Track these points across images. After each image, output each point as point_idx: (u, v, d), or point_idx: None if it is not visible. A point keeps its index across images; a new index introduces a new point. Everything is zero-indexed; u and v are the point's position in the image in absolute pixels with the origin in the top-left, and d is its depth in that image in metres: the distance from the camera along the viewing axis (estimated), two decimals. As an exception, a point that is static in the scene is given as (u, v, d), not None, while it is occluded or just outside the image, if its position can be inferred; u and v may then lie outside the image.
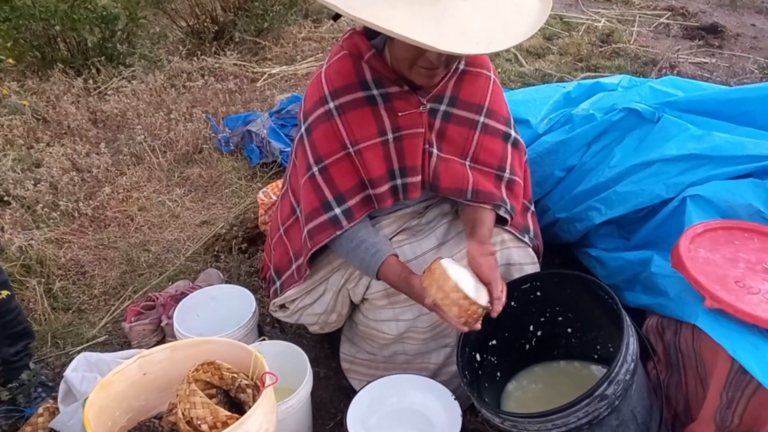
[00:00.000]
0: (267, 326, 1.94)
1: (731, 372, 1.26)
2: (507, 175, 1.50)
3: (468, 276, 1.31)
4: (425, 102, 1.40)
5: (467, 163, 1.47)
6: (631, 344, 1.23)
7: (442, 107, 1.43)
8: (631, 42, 3.62)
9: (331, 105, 1.39)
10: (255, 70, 3.57)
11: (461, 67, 1.43)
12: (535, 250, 1.57)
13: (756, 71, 3.27)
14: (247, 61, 3.69)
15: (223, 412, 1.17)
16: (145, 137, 2.80)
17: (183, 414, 1.18)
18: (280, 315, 1.64)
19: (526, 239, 1.53)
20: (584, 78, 3.20)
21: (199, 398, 1.18)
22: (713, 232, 1.44)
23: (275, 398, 1.44)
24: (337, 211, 1.41)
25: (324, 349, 1.84)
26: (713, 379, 1.29)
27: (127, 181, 2.57)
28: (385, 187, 1.42)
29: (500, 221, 1.51)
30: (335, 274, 1.51)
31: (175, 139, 2.83)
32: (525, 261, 1.51)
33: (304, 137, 1.44)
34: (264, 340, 1.72)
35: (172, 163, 2.74)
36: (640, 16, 3.97)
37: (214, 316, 1.80)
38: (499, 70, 3.38)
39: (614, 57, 3.48)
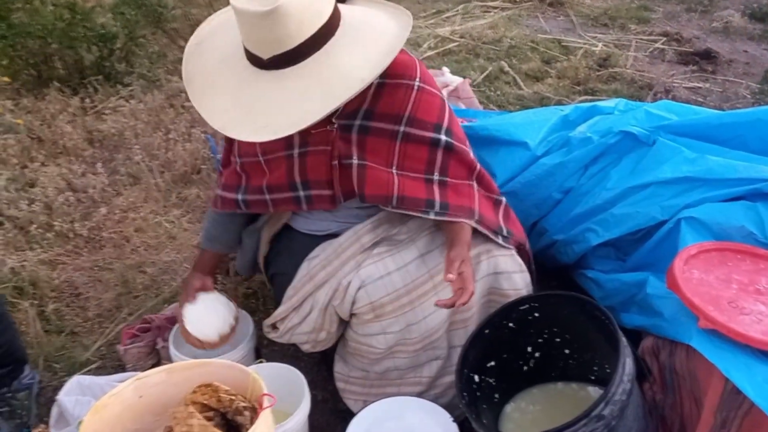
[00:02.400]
0: (265, 349, 1.94)
1: (725, 392, 1.26)
2: (437, 177, 1.52)
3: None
4: (334, 120, 1.47)
5: (393, 170, 1.50)
6: (627, 365, 1.23)
7: (357, 122, 1.48)
8: (628, 66, 3.66)
9: None
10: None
11: (377, 80, 1.44)
12: (522, 251, 1.57)
13: (748, 96, 3.31)
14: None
15: None
16: (142, 157, 2.80)
17: None
18: (272, 335, 1.64)
19: (500, 240, 1.54)
20: (582, 101, 3.24)
21: (196, 420, 1.17)
22: (707, 254, 1.46)
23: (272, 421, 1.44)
24: (240, 197, 1.61)
25: (321, 372, 1.83)
26: (707, 399, 1.30)
27: (123, 202, 2.57)
28: (284, 195, 1.56)
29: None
30: (319, 291, 1.52)
31: (173, 159, 2.83)
32: (513, 269, 1.52)
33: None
34: (261, 362, 1.71)
35: (170, 183, 2.73)
36: (636, 41, 4.03)
37: (207, 328, 1.79)
38: (498, 92, 3.42)
39: (611, 81, 3.53)
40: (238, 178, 1.62)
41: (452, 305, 1.35)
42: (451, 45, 3.96)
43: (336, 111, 1.44)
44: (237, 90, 1.33)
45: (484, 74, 3.56)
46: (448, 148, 1.53)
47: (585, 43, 3.92)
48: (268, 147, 1.51)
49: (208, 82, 1.38)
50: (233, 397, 1.30)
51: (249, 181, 1.60)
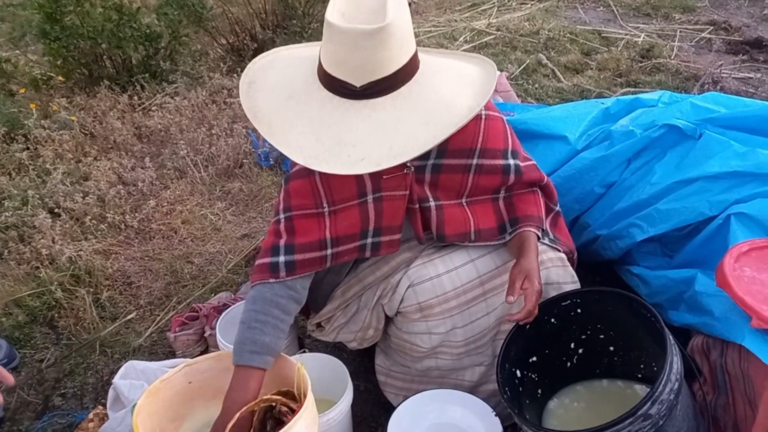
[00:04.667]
0: (307, 339, 1.97)
1: (780, 394, 1.23)
2: (503, 194, 1.52)
3: None
4: (409, 164, 1.39)
5: (464, 201, 1.49)
6: (675, 363, 1.21)
7: (430, 162, 1.43)
8: (672, 57, 3.57)
9: None
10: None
11: None
12: (570, 261, 1.56)
13: (802, 86, 3.20)
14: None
15: None
16: (187, 152, 2.87)
17: None
18: (317, 334, 1.66)
19: (547, 241, 1.52)
20: (623, 93, 3.18)
21: None
22: (759, 251, 1.42)
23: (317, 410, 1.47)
24: (281, 259, 1.39)
25: (363, 363, 1.85)
26: (763, 401, 1.27)
27: (170, 195, 2.65)
28: (350, 246, 1.43)
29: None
30: (367, 292, 1.53)
31: (216, 154, 2.90)
32: (564, 280, 1.51)
33: (283, 184, 1.46)
34: (305, 352, 1.75)
35: (214, 177, 2.81)
36: (681, 31, 3.92)
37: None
38: (537, 85, 3.38)
39: (654, 72, 3.45)
40: (277, 238, 1.43)
41: (520, 320, 1.37)
42: (487, 38, 3.93)
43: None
44: (320, 122, 1.22)
45: (522, 67, 3.53)
46: (518, 173, 1.50)
47: (626, 34, 3.84)
48: (337, 196, 1.40)
49: (281, 119, 1.26)
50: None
51: (294, 239, 1.41)
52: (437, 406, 1.53)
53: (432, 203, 1.46)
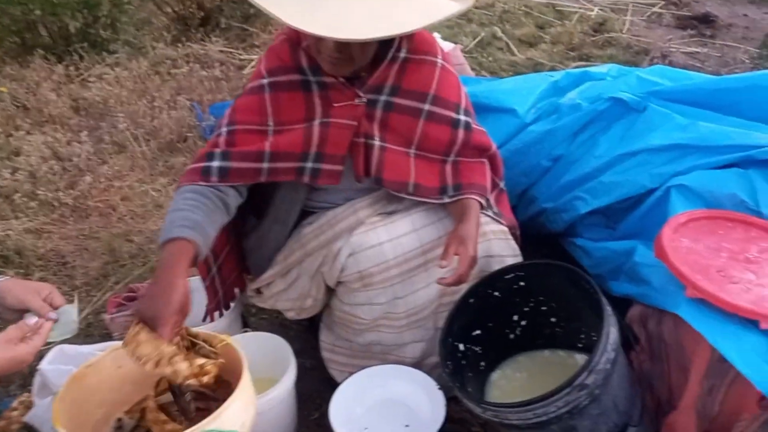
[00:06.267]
0: (253, 317, 1.93)
1: (711, 361, 1.26)
2: (452, 158, 1.51)
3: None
4: (361, 94, 1.39)
5: (412, 151, 1.47)
6: (611, 334, 1.22)
7: (383, 97, 1.42)
8: (624, 31, 3.59)
9: (265, 81, 1.40)
10: (242, 57, 3.52)
11: (402, 54, 1.42)
12: (513, 236, 1.56)
13: (747, 61, 3.26)
14: (234, 47, 3.64)
15: (168, 349, 1.10)
16: (127, 125, 2.76)
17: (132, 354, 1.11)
18: (256, 300, 1.63)
19: (490, 213, 1.52)
20: (576, 67, 3.18)
21: (144, 335, 1.11)
22: (697, 222, 1.43)
23: (258, 389, 1.43)
24: (215, 164, 1.38)
25: (310, 340, 1.81)
26: (694, 368, 1.29)
27: (109, 170, 2.53)
28: (288, 165, 1.41)
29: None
30: (308, 259, 1.49)
31: (158, 128, 2.79)
32: (506, 253, 1.50)
33: (230, 106, 1.44)
34: (247, 331, 1.70)
35: (156, 151, 2.70)
36: (633, 5, 3.94)
37: (196, 308, 1.77)
38: (490, 58, 3.36)
39: (606, 46, 3.46)
40: (214, 147, 1.42)
41: (450, 285, 1.35)
42: (443, 9, 3.88)
43: (362, 84, 1.40)
44: None
45: (476, 40, 3.50)
46: (467, 129, 1.51)
47: (580, 8, 3.84)
48: (285, 116, 1.40)
49: None
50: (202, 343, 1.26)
51: (232, 148, 1.41)
52: (381, 381, 1.52)
53: (377, 142, 1.43)
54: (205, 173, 1.38)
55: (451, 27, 3.67)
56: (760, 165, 1.49)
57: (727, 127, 1.54)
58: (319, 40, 1.28)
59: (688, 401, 1.31)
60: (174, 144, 2.75)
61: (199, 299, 1.62)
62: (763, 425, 1.23)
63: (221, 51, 3.54)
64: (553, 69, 3.18)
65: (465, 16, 3.82)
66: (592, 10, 3.80)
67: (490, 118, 1.94)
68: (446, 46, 3.16)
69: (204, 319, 1.63)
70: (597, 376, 1.18)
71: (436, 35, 3.29)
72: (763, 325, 1.21)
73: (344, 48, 1.28)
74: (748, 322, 1.23)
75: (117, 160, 2.62)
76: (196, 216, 1.30)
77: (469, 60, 3.24)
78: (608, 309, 1.26)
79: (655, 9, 3.87)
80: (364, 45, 1.28)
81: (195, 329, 1.28)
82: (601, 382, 1.19)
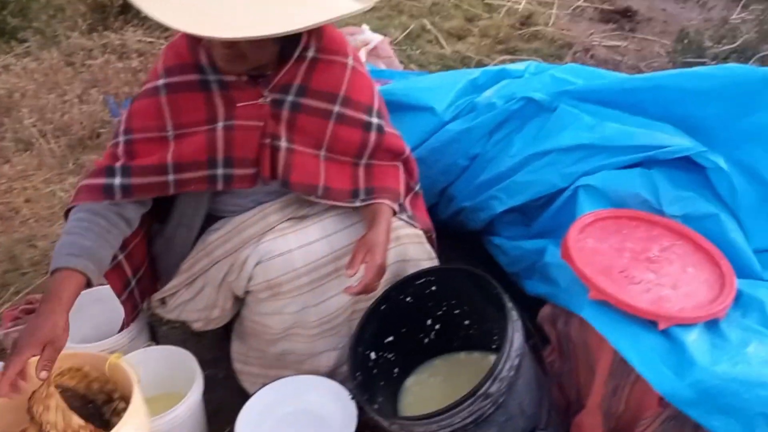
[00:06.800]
0: (164, 326, 1.85)
1: (614, 361, 1.28)
2: (364, 161, 1.48)
3: None
4: (266, 94, 1.35)
5: (322, 153, 1.43)
6: (515, 340, 1.22)
7: (289, 98, 1.38)
8: (550, 25, 3.63)
9: (161, 82, 1.34)
10: (163, 48, 3.38)
11: (310, 54, 1.38)
12: (429, 240, 1.54)
13: (663, 55, 3.35)
14: (155, 37, 3.48)
15: (77, 420, 1.08)
16: (34, 121, 2.60)
17: (35, 418, 1.08)
18: (160, 311, 1.56)
19: (404, 217, 1.50)
20: (502, 61, 3.20)
21: (55, 402, 1.08)
22: (603, 222, 1.46)
23: (165, 406, 1.37)
24: (117, 181, 1.32)
25: (224, 349, 1.75)
26: (599, 368, 1.32)
27: (11, 170, 2.38)
28: (197, 174, 1.35)
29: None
30: (214, 267, 1.44)
31: (69, 123, 2.63)
32: (421, 257, 1.49)
33: (126, 109, 1.38)
34: (151, 344, 1.63)
35: (65, 149, 2.55)
36: (558, -1, 4.00)
37: (101, 320, 1.69)
38: (419, 51, 3.34)
39: (532, 40, 3.49)
40: (113, 160, 1.35)
41: (357, 294, 1.32)
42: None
43: (268, 84, 1.35)
44: None
45: (406, 32, 3.47)
46: (380, 132, 1.48)
47: (509, 1, 3.86)
48: (185, 119, 1.34)
49: None
50: (104, 387, 1.22)
51: (132, 161, 1.34)
52: (293, 392, 1.48)
53: (283, 143, 1.38)
54: (107, 192, 1.32)
55: (382, 19, 3.63)
56: (663, 165, 1.52)
57: (632, 127, 1.56)
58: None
59: (594, 401, 1.34)
60: (85, 141, 2.61)
61: (113, 307, 1.56)
62: (664, 423, 1.26)
63: (140, 41, 3.37)
64: (480, 62, 3.19)
65: (395, 8, 3.79)
66: (520, 3, 3.82)
67: (408, 117, 1.91)
68: (374, 38, 3.13)
69: (120, 331, 1.57)
70: (501, 383, 1.18)
71: (365, 27, 3.25)
72: (662, 326, 1.24)
73: (233, 44, 1.22)
74: (648, 322, 1.26)
75: (21, 158, 2.46)
76: (86, 241, 1.25)
77: (398, 53, 3.21)
78: (513, 314, 1.26)
79: (580, 3, 3.93)
80: (255, 42, 1.22)
81: (84, 349, 1.21)
82: (506, 389, 1.19)
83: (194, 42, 1.34)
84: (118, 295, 1.46)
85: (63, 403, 1.09)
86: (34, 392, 1.13)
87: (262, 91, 1.35)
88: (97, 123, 2.66)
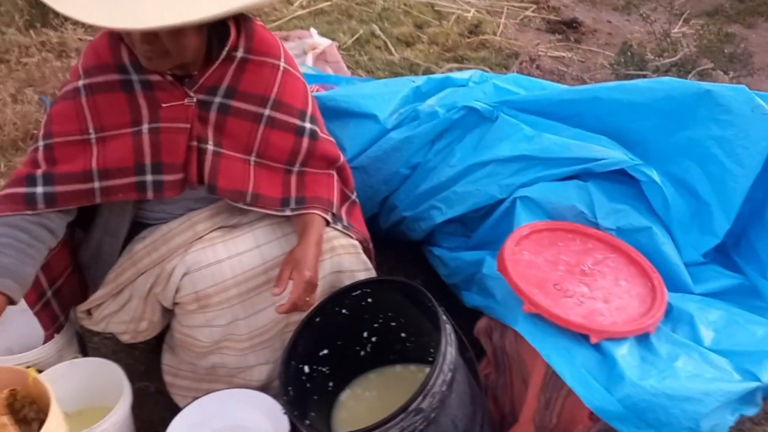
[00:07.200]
0: (96, 336, 1.76)
1: (547, 375, 1.28)
2: (297, 168, 1.44)
3: None
4: (192, 94, 1.30)
5: (252, 158, 1.39)
6: (448, 354, 1.21)
7: (217, 99, 1.33)
8: (498, 34, 3.66)
9: (81, 83, 1.28)
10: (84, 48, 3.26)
11: (239, 54, 1.34)
12: (365, 250, 1.51)
13: (607, 66, 3.42)
14: (95, 35, 3.36)
15: None
16: (-38, 121, 2.46)
17: None
18: (86, 322, 1.49)
19: (339, 226, 1.47)
20: (449, 69, 3.21)
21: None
22: (539, 234, 1.46)
23: (92, 419, 1.31)
24: (39, 190, 1.26)
25: (158, 361, 1.68)
26: (532, 381, 1.32)
27: (-68, 173, 2.25)
28: (124, 181, 1.31)
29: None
30: (141, 278, 1.38)
31: (1, 124, 2.51)
32: (357, 268, 1.46)
33: (46, 114, 1.33)
34: (77, 357, 1.56)
35: (-4, 151, 2.43)
36: (507, 8, 4.04)
37: (27, 331, 1.60)
38: (367, 57, 3.31)
39: (480, 48, 3.51)
40: (34, 167, 1.28)
41: (286, 312, 1.29)
42: (323, 4, 3.78)
43: (193, 83, 1.30)
44: None
45: (354, 37, 3.44)
46: (313, 138, 1.44)
47: (458, 9, 3.88)
48: (106, 121, 1.28)
49: None
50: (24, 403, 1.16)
51: (54, 168, 1.28)
52: (223, 407, 1.43)
53: (210, 147, 1.33)
54: (29, 201, 1.26)
55: (331, 23, 3.59)
56: (598, 177, 1.54)
57: (569, 139, 1.58)
58: (127, 32, 1.19)
59: (527, 414, 1.34)
60: (18, 142, 2.48)
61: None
62: (594, 435, 1.27)
63: (81, 39, 3.25)
64: (428, 70, 3.18)
65: (345, 12, 3.76)
66: (469, 12, 3.85)
67: (351, 124, 1.89)
68: (322, 42, 3.09)
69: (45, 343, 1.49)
70: (432, 399, 1.16)
71: (313, 31, 3.22)
72: (593, 340, 1.24)
73: (153, 40, 1.18)
74: (580, 336, 1.26)
75: (-56, 161, 2.33)
76: (5, 259, 1.19)
77: (347, 58, 3.18)
78: (447, 327, 1.25)
79: (528, 13, 3.99)
80: (177, 37, 1.18)
81: (6, 361, 1.15)
82: (437, 405, 1.17)
83: (116, 41, 1.28)
84: (31, 307, 1.38)
85: (8, 420, 1.07)
86: None
87: (187, 92, 1.30)
88: (32, 124, 2.54)
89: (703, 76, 2.99)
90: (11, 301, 1.18)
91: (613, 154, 1.52)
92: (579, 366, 1.22)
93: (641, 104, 1.59)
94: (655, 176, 1.49)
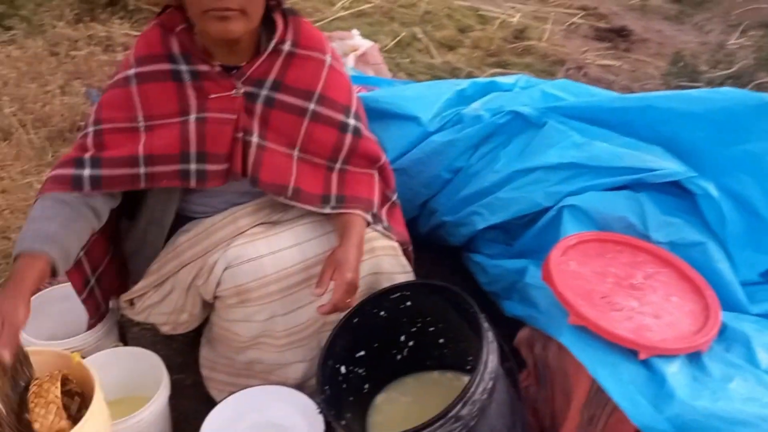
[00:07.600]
0: (135, 327, 1.78)
1: (592, 390, 1.24)
2: (339, 165, 1.43)
3: None
4: (239, 85, 1.31)
5: (295, 153, 1.38)
6: (490, 362, 1.17)
7: (264, 92, 1.33)
8: (543, 40, 3.61)
9: (132, 72, 1.30)
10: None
11: (286, 48, 1.34)
12: (405, 252, 1.49)
13: (657, 77, 3.34)
14: (141, 31, 3.41)
15: (64, 423, 1.07)
16: (15, 110, 2.53)
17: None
18: (128, 312, 1.51)
19: (379, 228, 1.45)
20: (492, 74, 3.17)
21: (52, 397, 1.08)
22: (586, 245, 1.41)
23: (131, 409, 1.33)
24: (86, 172, 1.28)
25: (195, 354, 1.69)
26: (575, 396, 1.27)
27: (-13, 160, 2.32)
28: (168, 168, 1.31)
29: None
30: (183, 270, 1.39)
31: (49, 114, 2.57)
32: (396, 270, 1.44)
33: (93, 101, 1.34)
34: (118, 346, 1.58)
35: (44, 140, 2.48)
36: (554, 14, 3.98)
37: (69, 318, 1.62)
38: (408, 60, 3.30)
39: (525, 54, 3.47)
40: (82, 151, 1.31)
41: (327, 313, 1.28)
42: (365, 6, 3.79)
43: (241, 74, 1.31)
44: None
45: (396, 40, 3.43)
46: (356, 134, 1.43)
47: (503, 13, 3.84)
48: (156, 111, 1.30)
49: None
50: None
51: (102, 152, 1.30)
52: (259, 403, 1.43)
53: (255, 139, 1.33)
54: (76, 183, 1.28)
55: (372, 25, 3.59)
56: (650, 188, 1.48)
57: (621, 148, 1.52)
58: None
59: (569, 429, 1.29)
60: (65, 133, 2.54)
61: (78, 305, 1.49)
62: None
63: (126, 34, 3.31)
64: (470, 74, 3.15)
65: (387, 15, 3.75)
66: (514, 17, 3.80)
67: (393, 126, 1.87)
68: (364, 44, 3.09)
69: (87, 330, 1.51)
70: (472, 407, 1.13)
71: (354, 32, 3.21)
72: (642, 356, 1.20)
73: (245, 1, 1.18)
74: (628, 351, 1.21)
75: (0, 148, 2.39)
76: (51, 227, 1.22)
77: (388, 60, 3.17)
78: (489, 335, 1.22)
79: (575, 19, 3.92)
80: None
81: (50, 346, 1.17)
82: (477, 413, 1.14)
83: (167, 32, 1.30)
84: (79, 294, 1.40)
85: (60, 402, 1.08)
86: (38, 379, 1.11)
87: (235, 83, 1.31)
88: (78, 115, 2.59)
89: (761, 89, 2.89)
90: (54, 272, 1.19)
91: (668, 165, 1.46)
92: (626, 382, 1.17)
93: (697, 114, 1.52)
94: (712, 189, 1.43)
